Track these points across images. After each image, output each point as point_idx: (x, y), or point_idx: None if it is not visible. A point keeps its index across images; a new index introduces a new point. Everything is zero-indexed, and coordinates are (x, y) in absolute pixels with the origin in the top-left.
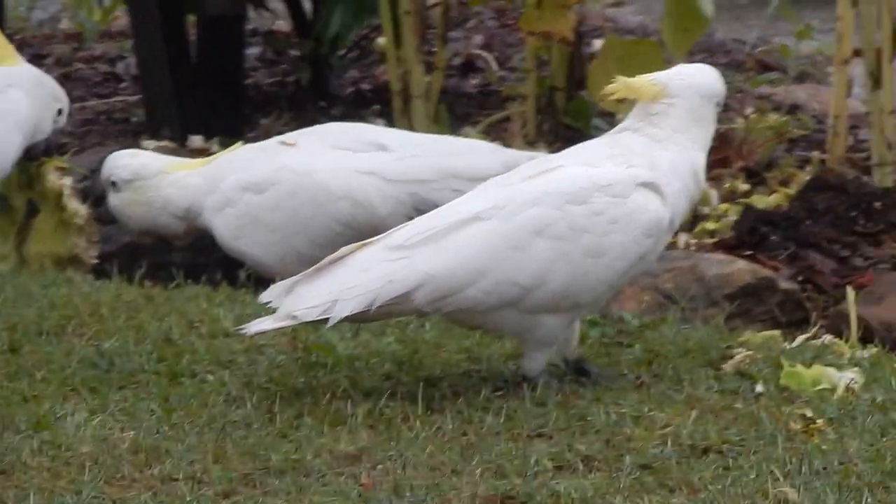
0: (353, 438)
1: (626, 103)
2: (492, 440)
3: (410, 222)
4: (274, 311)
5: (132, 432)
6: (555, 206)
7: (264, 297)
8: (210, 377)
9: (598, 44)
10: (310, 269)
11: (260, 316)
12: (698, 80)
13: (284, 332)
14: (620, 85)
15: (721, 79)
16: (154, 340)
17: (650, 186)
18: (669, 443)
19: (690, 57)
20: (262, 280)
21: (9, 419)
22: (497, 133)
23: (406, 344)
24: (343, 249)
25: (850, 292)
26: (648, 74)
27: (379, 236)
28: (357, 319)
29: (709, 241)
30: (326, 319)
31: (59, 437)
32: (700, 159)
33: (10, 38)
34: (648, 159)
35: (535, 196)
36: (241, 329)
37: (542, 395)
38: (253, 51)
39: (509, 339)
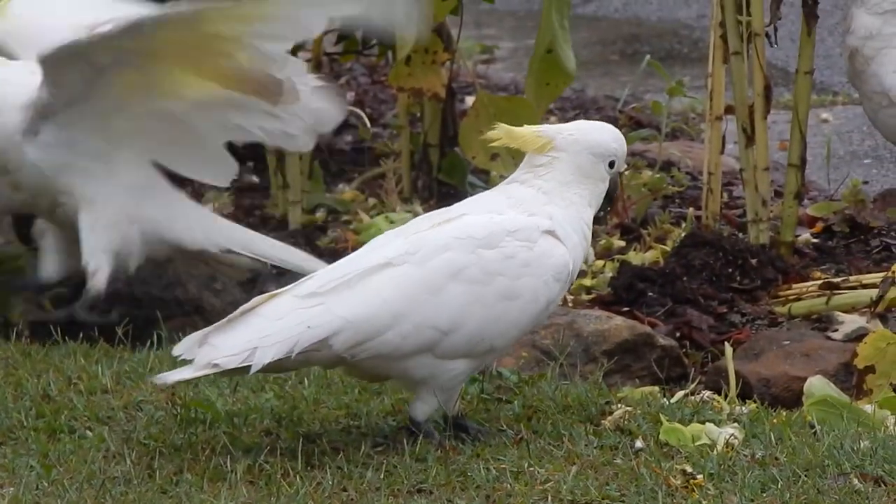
0: (233, 494)
1: (500, 161)
2: (372, 496)
3: (318, 272)
4: (187, 363)
5: (11, 489)
6: (467, 251)
7: (177, 350)
8: (89, 433)
9: (470, 100)
10: (221, 322)
11: (137, 372)
12: (588, 136)
13: (163, 388)
14: (502, 132)
15: (619, 139)
16: (33, 397)
17: (553, 234)
18: (549, 498)
19: (563, 114)
20: (139, 337)
21: None
22: (372, 190)
23: (285, 400)
24: (254, 300)
25: (728, 348)
26: (536, 126)
27: (285, 287)
28: (275, 368)
29: (586, 297)
30: (247, 368)
31: None
32: (588, 215)
33: None
34: (543, 209)
35: (447, 241)
36: (159, 378)
37: (422, 450)
38: None
39: (392, 392)
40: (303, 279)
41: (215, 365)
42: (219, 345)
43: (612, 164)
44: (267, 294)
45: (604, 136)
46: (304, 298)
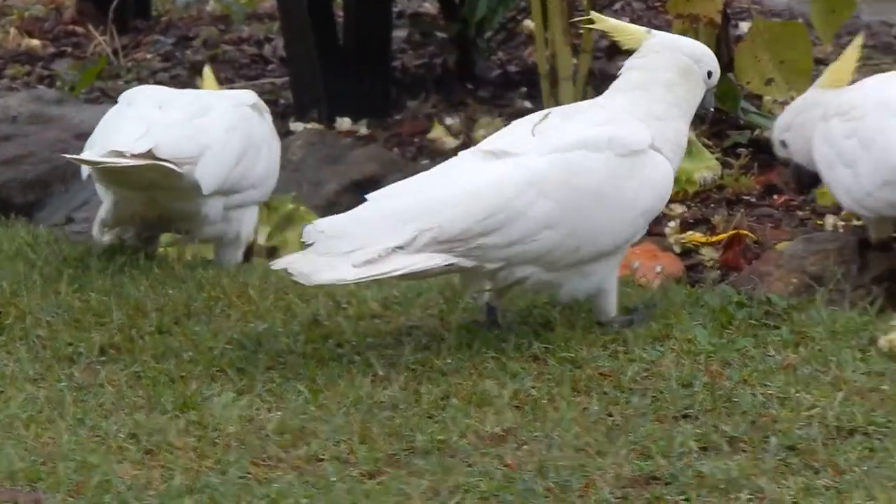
0: (499, 419)
1: (774, 85)
2: (637, 421)
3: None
4: None
5: (279, 413)
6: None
7: None
8: (357, 358)
9: (744, 26)
10: None
11: (406, 297)
12: (682, 40)
13: (432, 312)
14: (602, 21)
15: (711, 53)
16: (302, 322)
17: (654, 147)
18: (815, 424)
19: (837, 39)
20: None
21: (156, 399)
22: None
23: (552, 326)
24: None
25: None
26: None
27: None
28: None
29: (857, 223)
30: None
31: (205, 418)
32: (685, 124)
33: (156, 19)
34: (642, 119)
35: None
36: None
37: (688, 375)
38: (400, 33)
39: (660, 318)
40: None
41: None
42: None
43: (709, 75)
44: None
45: (697, 43)
46: None
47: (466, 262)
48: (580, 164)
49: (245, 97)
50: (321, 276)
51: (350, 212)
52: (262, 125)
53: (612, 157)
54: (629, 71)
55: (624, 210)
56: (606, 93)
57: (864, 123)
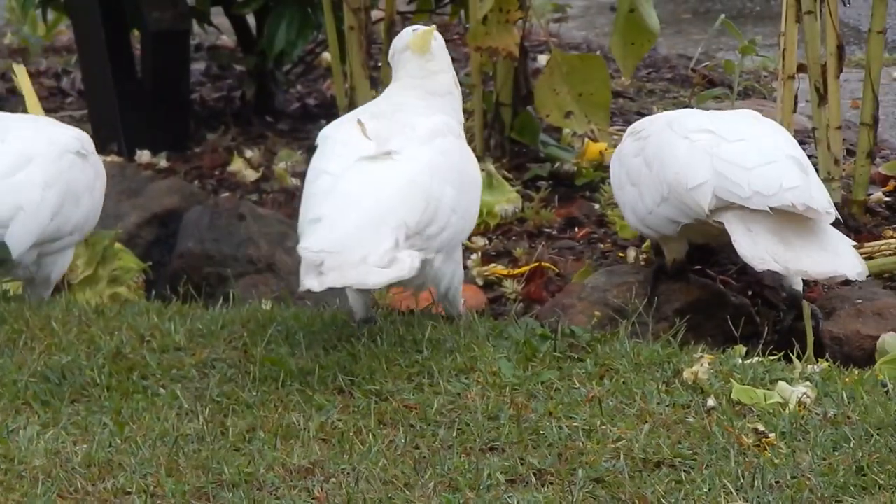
0: (305, 452)
1: (573, 118)
2: (444, 454)
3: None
4: None
5: (85, 446)
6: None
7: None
8: (162, 391)
9: (543, 59)
10: None
11: (210, 330)
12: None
13: (236, 345)
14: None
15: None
16: (106, 354)
17: None
18: (622, 457)
19: (636, 73)
20: (212, 295)
21: None
22: None
23: (357, 357)
24: None
25: (806, 306)
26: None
27: None
28: None
29: (656, 257)
30: None
31: (11, 451)
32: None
33: None
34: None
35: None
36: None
37: (495, 408)
38: (198, 66)
39: (465, 350)
40: None
41: None
42: None
43: None
44: None
45: None
46: None
47: (427, 255)
48: (447, 148)
49: (71, 143)
50: (374, 279)
51: (324, 228)
52: (86, 171)
53: (455, 139)
54: (435, 74)
55: (476, 187)
56: (407, 90)
57: (650, 142)
